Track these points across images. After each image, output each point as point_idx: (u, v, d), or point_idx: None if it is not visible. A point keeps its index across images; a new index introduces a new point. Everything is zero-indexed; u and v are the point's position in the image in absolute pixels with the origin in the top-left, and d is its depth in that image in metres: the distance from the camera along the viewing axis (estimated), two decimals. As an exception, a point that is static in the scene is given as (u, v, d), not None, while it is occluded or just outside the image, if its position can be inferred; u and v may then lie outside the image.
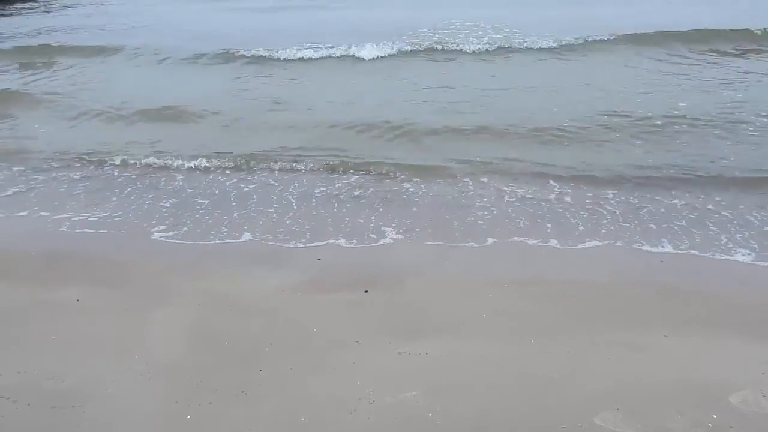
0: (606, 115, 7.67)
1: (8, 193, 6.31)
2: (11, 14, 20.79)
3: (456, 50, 11.50)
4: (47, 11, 21.33)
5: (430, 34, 12.70)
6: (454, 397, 3.04)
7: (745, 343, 3.42)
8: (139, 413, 3.05)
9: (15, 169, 6.98)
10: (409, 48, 11.70)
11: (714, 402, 2.92)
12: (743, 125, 7.09)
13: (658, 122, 7.33)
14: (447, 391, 3.08)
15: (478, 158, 6.54)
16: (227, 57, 11.93)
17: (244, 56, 11.79)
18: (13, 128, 8.85)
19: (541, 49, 11.23)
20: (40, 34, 16.01)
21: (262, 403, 3.07)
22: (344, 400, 3.04)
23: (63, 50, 13.38)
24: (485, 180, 6.02)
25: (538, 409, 2.94)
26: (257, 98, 9.47)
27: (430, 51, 11.59)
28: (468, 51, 11.40)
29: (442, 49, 11.59)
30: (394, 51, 11.55)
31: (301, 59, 11.58)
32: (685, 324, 3.62)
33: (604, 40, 11.38)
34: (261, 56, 11.72)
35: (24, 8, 22.06)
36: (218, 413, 3.01)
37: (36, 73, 11.78)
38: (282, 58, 11.61)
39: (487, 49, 11.37)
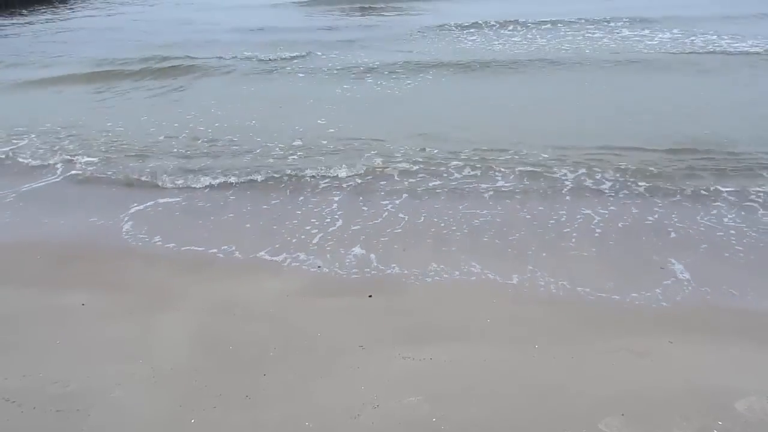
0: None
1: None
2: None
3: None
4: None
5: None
6: (457, 402, 3.03)
7: (750, 349, 3.41)
8: (144, 417, 3.05)
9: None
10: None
11: (719, 408, 2.91)
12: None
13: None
14: (451, 396, 3.08)
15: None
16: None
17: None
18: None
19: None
20: None
21: (266, 408, 3.07)
22: (348, 405, 3.04)
23: None
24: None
25: (542, 414, 2.94)
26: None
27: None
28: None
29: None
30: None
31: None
32: (690, 330, 3.61)
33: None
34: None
35: None
36: (222, 418, 3.01)
37: None
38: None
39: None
